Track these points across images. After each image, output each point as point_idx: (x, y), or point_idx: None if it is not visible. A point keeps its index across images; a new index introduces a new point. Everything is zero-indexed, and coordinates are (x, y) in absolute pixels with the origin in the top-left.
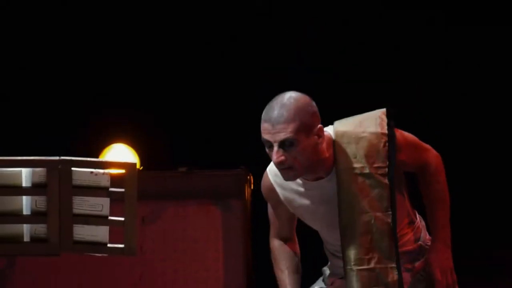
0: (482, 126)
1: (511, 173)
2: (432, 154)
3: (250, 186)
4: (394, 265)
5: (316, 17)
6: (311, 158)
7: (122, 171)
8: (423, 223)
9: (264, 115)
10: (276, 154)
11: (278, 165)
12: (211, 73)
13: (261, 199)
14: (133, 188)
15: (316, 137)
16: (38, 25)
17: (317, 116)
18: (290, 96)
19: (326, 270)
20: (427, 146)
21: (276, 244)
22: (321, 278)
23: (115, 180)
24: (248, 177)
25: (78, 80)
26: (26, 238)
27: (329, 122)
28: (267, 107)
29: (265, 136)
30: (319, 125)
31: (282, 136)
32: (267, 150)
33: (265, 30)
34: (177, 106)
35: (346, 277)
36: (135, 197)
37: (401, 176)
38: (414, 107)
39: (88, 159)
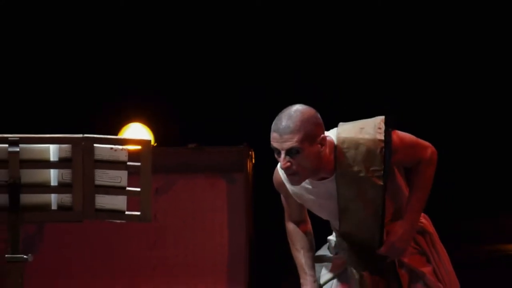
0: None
1: (483, 156)
2: (428, 151)
3: (252, 161)
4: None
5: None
6: (314, 164)
7: (138, 147)
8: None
9: (273, 125)
10: (283, 160)
11: (285, 170)
12: (219, 59)
13: (261, 173)
14: (148, 162)
15: (319, 145)
16: (66, 12)
17: (321, 127)
18: (296, 109)
19: (332, 240)
20: (424, 144)
21: (290, 227)
22: (326, 246)
23: (132, 155)
24: (250, 152)
25: (100, 67)
26: (54, 207)
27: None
28: (276, 118)
29: (274, 144)
30: (322, 135)
31: (288, 145)
32: (276, 155)
33: (271, 16)
34: (187, 90)
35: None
36: (149, 170)
37: (400, 170)
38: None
39: (108, 136)
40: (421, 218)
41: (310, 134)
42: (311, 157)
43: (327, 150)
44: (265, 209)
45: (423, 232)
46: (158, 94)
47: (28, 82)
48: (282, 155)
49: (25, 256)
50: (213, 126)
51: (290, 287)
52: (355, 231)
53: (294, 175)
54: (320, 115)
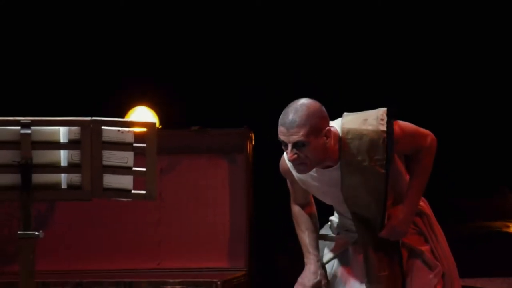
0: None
1: (470, 137)
2: (428, 139)
3: (252, 142)
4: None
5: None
6: (319, 155)
7: (144, 129)
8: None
9: (280, 119)
10: (290, 153)
11: (292, 161)
12: (220, 46)
13: (261, 153)
14: (153, 143)
15: (324, 137)
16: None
17: (326, 120)
18: (302, 103)
19: (334, 220)
20: (424, 132)
21: (296, 209)
22: (327, 225)
23: (138, 137)
24: (250, 134)
25: (108, 54)
26: (63, 186)
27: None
28: (283, 112)
29: (281, 137)
30: (327, 127)
31: (295, 138)
32: (283, 147)
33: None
34: (191, 75)
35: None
36: (154, 151)
37: (400, 157)
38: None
39: (115, 119)
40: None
41: (316, 128)
42: (317, 149)
43: (332, 141)
44: (264, 188)
45: (421, 213)
46: (163, 79)
47: (42, 69)
48: (289, 148)
49: (36, 233)
50: (215, 110)
51: (286, 262)
52: (360, 213)
53: (301, 165)
54: (323, 101)
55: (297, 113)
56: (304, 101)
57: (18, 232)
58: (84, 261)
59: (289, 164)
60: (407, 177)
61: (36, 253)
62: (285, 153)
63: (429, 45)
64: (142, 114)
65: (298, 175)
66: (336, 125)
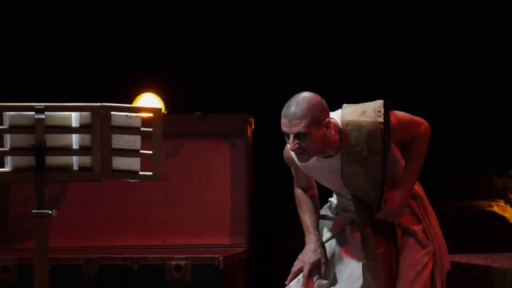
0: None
1: (461, 122)
2: (422, 127)
3: (251, 127)
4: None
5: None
6: (320, 145)
7: (150, 114)
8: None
9: (283, 112)
10: (292, 143)
11: (294, 151)
12: (222, 37)
13: (260, 137)
14: (159, 128)
15: (324, 128)
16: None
17: (326, 112)
18: (303, 96)
19: (332, 201)
20: (419, 120)
21: (298, 192)
22: (326, 206)
23: (145, 122)
24: (250, 119)
25: (117, 45)
26: (75, 167)
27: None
28: (286, 105)
29: (284, 128)
30: (327, 119)
31: (296, 129)
32: (285, 138)
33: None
34: (195, 64)
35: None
36: (160, 135)
37: (397, 144)
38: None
39: (124, 105)
40: None
41: (316, 119)
42: (318, 140)
43: (332, 132)
44: (263, 170)
45: (415, 196)
46: (168, 67)
47: (55, 58)
48: (291, 138)
49: (49, 212)
50: (217, 96)
51: (285, 239)
52: (359, 197)
53: (303, 154)
54: (322, 93)
55: (298, 105)
56: (305, 94)
57: (33, 211)
58: (94, 238)
59: (292, 153)
60: (403, 162)
61: (49, 231)
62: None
63: (419, 37)
64: (149, 100)
65: (301, 164)
66: (336, 116)
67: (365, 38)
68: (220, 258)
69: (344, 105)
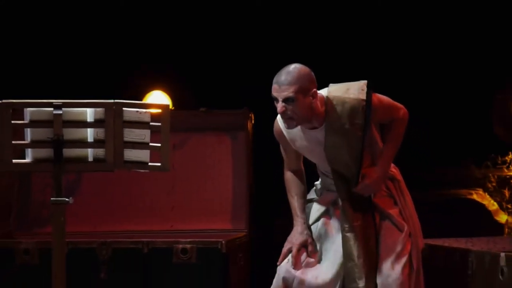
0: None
1: (442, 114)
2: (401, 112)
3: (251, 122)
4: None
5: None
6: (306, 112)
7: (159, 110)
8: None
9: (274, 79)
10: (280, 106)
11: (281, 114)
12: (225, 38)
13: (259, 131)
14: (167, 123)
15: (311, 97)
16: None
17: (314, 83)
18: (294, 66)
19: (318, 184)
20: (398, 105)
21: (288, 175)
22: (313, 190)
23: (154, 117)
24: (250, 115)
25: (130, 43)
26: (90, 159)
27: (325, 84)
28: (277, 73)
29: (274, 93)
30: (314, 89)
31: (285, 94)
32: (275, 103)
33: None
34: (200, 63)
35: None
36: (168, 129)
37: (377, 127)
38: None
39: (135, 101)
40: (392, 168)
41: (304, 88)
42: (304, 107)
43: (319, 104)
44: (262, 161)
45: (392, 179)
46: (175, 67)
47: (73, 57)
48: (280, 103)
49: (66, 199)
50: (220, 93)
51: (282, 225)
52: (340, 170)
53: (290, 120)
54: (315, 75)
55: (289, 74)
56: (296, 65)
57: (51, 198)
58: (107, 223)
59: (281, 125)
60: (381, 145)
61: (66, 217)
62: (277, 118)
63: (405, 32)
64: (158, 97)
65: (289, 135)
66: (323, 92)
67: (365, 39)
68: (223, 242)
69: (331, 84)
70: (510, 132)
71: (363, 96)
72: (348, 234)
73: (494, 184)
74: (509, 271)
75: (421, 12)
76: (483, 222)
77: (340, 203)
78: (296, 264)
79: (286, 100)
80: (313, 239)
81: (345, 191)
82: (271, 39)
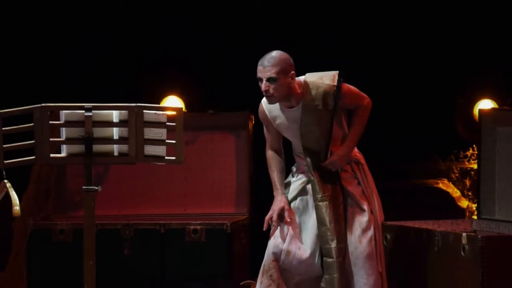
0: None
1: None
2: (365, 101)
3: (252, 122)
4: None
5: None
6: (285, 91)
7: (174, 112)
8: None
9: (259, 62)
10: (263, 85)
11: (264, 92)
12: (232, 48)
13: (258, 131)
14: (180, 123)
15: (290, 79)
16: None
17: (292, 67)
18: (277, 52)
19: (294, 168)
20: (363, 95)
21: (269, 153)
22: (290, 174)
23: (170, 118)
24: (251, 116)
25: (150, 56)
26: (115, 153)
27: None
28: (262, 58)
29: (259, 74)
30: (292, 72)
31: (268, 74)
32: (259, 83)
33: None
34: (209, 71)
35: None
36: (181, 128)
37: (344, 114)
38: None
39: (153, 105)
40: (356, 153)
41: (284, 69)
42: (284, 86)
43: (296, 86)
44: (260, 155)
45: (357, 162)
46: (188, 75)
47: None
48: (264, 82)
49: (96, 187)
50: (226, 97)
51: None
52: (311, 147)
53: (272, 97)
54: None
55: (272, 57)
56: (278, 51)
57: (83, 187)
58: (130, 208)
59: (265, 106)
60: (347, 130)
61: (95, 202)
62: (262, 101)
63: (373, 31)
64: (173, 101)
65: (271, 114)
66: (301, 78)
67: (365, 39)
68: (228, 224)
69: (307, 73)
70: (471, 132)
71: (335, 83)
72: (320, 203)
73: (457, 175)
74: (470, 249)
75: (392, 13)
76: (447, 207)
77: (312, 177)
78: (281, 231)
79: (269, 80)
80: (290, 208)
81: (315, 166)
82: (271, 43)
